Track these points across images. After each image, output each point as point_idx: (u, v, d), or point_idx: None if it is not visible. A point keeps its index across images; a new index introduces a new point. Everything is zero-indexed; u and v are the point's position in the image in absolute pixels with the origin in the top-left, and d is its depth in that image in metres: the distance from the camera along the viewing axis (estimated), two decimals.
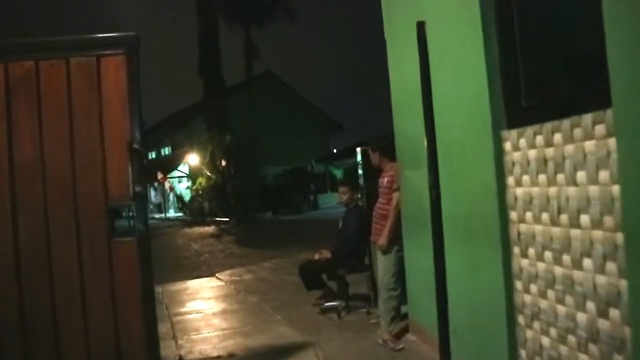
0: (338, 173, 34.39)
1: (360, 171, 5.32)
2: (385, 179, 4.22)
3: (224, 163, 24.77)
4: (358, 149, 5.17)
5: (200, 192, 25.89)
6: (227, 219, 23.34)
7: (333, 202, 30.97)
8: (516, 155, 2.27)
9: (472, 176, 2.70)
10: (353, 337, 4.44)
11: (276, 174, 28.32)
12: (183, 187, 32.67)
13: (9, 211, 2.72)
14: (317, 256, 5.25)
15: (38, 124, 2.77)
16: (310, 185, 29.07)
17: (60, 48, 2.82)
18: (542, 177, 2.10)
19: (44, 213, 2.74)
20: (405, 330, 4.29)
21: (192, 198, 27.41)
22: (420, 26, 3.04)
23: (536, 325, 2.21)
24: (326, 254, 5.13)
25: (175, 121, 36.28)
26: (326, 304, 5.28)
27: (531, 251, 2.20)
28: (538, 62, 2.30)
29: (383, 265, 4.16)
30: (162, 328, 5.25)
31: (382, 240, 4.10)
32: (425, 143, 3.19)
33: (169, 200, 33.38)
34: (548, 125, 2.06)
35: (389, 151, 4.24)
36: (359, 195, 5.22)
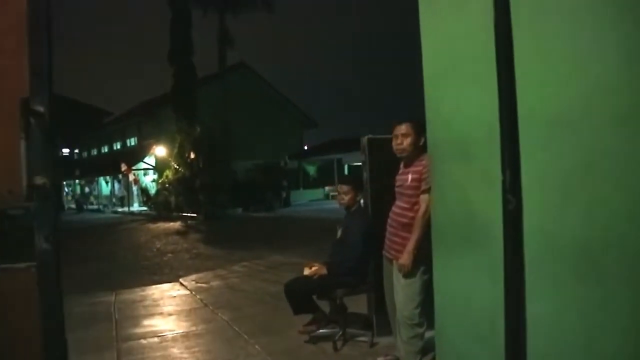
0: (311, 170, 33.42)
1: (363, 166, 4.25)
2: (410, 176, 3.17)
3: (192, 156, 23.42)
4: (364, 138, 4.10)
5: (167, 185, 24.41)
6: (195, 215, 22.02)
7: (305, 199, 30.00)
8: None
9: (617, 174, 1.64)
10: None
11: (248, 169, 27.12)
12: (149, 180, 31.00)
13: None
14: (307, 271, 4.13)
15: None
16: (283, 182, 27.94)
17: None
18: None
19: None
20: None
21: (158, 192, 25.86)
22: None
23: None
24: (320, 269, 4.03)
25: (143, 111, 34.47)
26: (318, 331, 4.20)
27: None
28: None
29: (405, 292, 3.11)
30: None
31: (406, 258, 3.06)
32: (499, 125, 2.16)
33: (133, 193, 31.63)
34: None
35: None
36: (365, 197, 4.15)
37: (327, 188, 31.77)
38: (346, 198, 4.04)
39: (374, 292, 4.05)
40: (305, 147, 33.80)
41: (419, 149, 3.17)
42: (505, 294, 2.14)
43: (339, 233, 4.08)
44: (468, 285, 2.67)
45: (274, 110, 31.12)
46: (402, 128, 3.21)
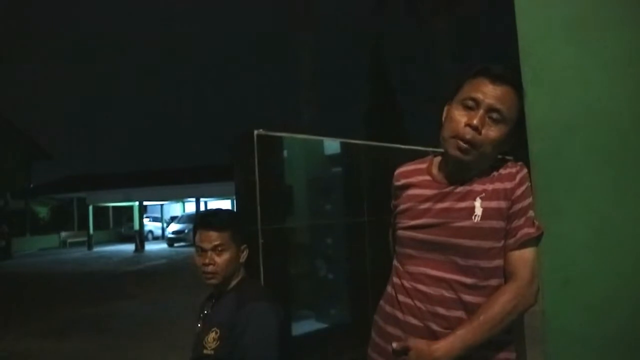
0: (43, 211, 27.49)
1: (239, 195, 2.13)
2: (481, 204, 1.26)
3: None
4: (255, 132, 2.01)
5: None
6: None
7: (34, 248, 24.05)
8: None
9: None
10: None
11: None
12: None
13: None
14: None
15: None
16: (1, 227, 21.75)
17: None
18: None
19: None
20: None
21: None
22: None
23: None
24: None
25: None
26: None
27: None
28: None
29: None
30: None
31: (445, 348, 1.20)
32: None
33: None
34: None
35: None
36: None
37: (63, 234, 26.29)
38: (219, 260, 1.81)
39: None
40: (31, 185, 27.57)
41: (505, 142, 1.30)
42: None
43: (209, 340, 1.78)
44: None
45: None
46: (501, 96, 1.26)
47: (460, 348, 1.20)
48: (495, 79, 1.28)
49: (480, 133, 1.25)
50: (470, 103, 1.28)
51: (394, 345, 1.27)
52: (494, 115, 1.26)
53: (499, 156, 1.35)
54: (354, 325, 2.33)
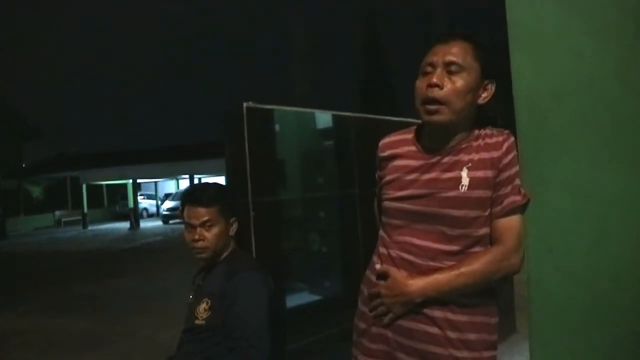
0: (36, 191, 27.37)
1: (229, 167, 2.11)
2: (467, 173, 1.28)
3: None
4: (244, 104, 1.98)
5: None
6: None
7: (29, 227, 24.02)
8: None
9: None
10: None
11: None
12: None
13: None
14: None
15: None
16: None
17: None
18: None
19: None
20: None
21: None
22: None
23: None
24: None
25: None
26: None
27: None
28: None
29: None
30: None
31: (416, 286, 1.30)
32: None
33: None
34: None
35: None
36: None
37: (58, 213, 26.26)
38: (209, 235, 1.81)
39: None
40: (23, 165, 27.35)
41: (473, 113, 1.33)
42: None
43: (200, 311, 1.79)
44: None
45: None
46: (453, 49, 1.28)
47: (433, 290, 1.27)
48: (446, 38, 1.32)
49: (442, 88, 1.27)
50: (429, 68, 1.30)
51: (378, 266, 1.37)
52: (452, 68, 1.28)
53: (488, 128, 1.35)
54: (346, 296, 2.35)
